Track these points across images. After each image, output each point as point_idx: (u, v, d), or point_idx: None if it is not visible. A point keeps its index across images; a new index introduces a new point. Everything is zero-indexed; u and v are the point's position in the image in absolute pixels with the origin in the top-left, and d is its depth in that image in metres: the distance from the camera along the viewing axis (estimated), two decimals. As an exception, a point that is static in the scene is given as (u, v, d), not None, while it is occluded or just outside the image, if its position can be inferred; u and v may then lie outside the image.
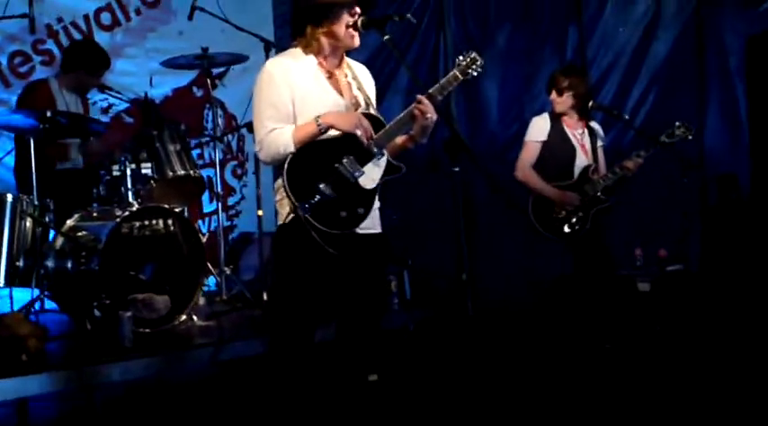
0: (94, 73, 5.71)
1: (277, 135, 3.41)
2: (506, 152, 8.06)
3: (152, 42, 6.69)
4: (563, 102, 5.50)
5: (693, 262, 7.15)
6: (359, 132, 3.42)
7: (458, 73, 3.51)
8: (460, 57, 3.54)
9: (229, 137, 6.96)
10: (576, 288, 5.50)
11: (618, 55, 8.68)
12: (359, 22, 3.50)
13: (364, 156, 3.45)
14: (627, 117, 5.88)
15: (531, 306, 5.77)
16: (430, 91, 3.48)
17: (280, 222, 3.51)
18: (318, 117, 3.41)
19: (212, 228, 6.79)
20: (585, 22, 8.56)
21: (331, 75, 3.56)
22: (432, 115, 3.46)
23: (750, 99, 8.25)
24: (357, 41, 3.55)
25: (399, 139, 3.58)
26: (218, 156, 5.77)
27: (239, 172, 7.16)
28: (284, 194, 3.41)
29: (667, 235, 7.22)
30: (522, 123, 8.17)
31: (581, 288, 5.48)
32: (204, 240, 5.14)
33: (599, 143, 5.60)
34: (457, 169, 3.56)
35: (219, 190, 5.75)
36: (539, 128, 5.57)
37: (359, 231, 3.51)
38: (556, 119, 5.55)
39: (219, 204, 5.81)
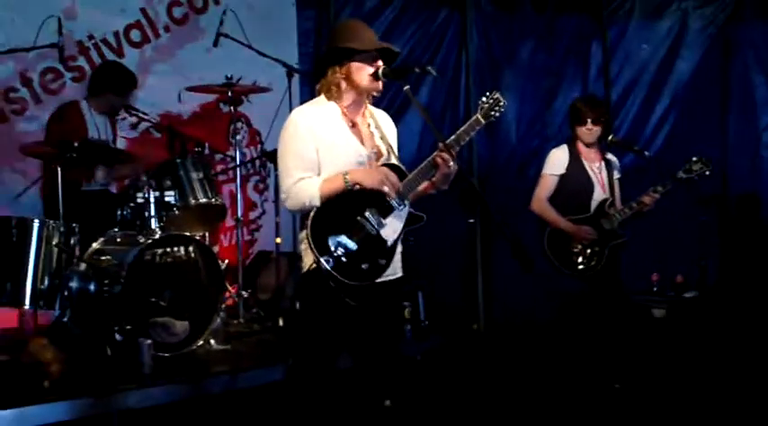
0: (123, 94, 5.83)
1: (304, 186, 3.47)
2: (526, 167, 8.12)
3: (180, 59, 6.78)
4: (592, 133, 5.43)
5: (710, 288, 7.17)
6: (386, 189, 3.50)
7: (480, 117, 3.55)
8: (483, 99, 3.57)
9: (252, 153, 7.05)
10: (589, 313, 5.51)
11: (641, 72, 8.69)
12: (380, 72, 3.55)
13: (386, 208, 3.53)
14: (647, 153, 5.78)
15: (544, 328, 5.83)
16: (447, 141, 3.53)
17: (304, 270, 3.57)
18: (346, 174, 3.48)
19: (233, 242, 6.89)
20: (610, 38, 8.57)
21: (354, 124, 3.62)
22: (453, 164, 3.52)
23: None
24: (380, 86, 3.59)
25: (421, 186, 3.64)
26: (238, 183, 5.86)
27: (261, 187, 7.26)
28: (308, 245, 3.49)
29: (685, 260, 7.24)
30: (542, 139, 8.26)
31: (594, 314, 5.49)
32: (224, 265, 5.24)
33: (615, 175, 5.58)
34: (472, 221, 3.62)
35: (240, 215, 5.84)
36: (557, 161, 5.50)
37: (385, 279, 3.58)
38: (574, 151, 5.50)
39: (239, 230, 5.91)
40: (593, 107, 5.48)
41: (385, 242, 3.54)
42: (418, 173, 3.57)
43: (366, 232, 3.48)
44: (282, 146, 3.57)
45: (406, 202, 3.60)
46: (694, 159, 5.43)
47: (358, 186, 3.48)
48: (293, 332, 4.82)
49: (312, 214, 3.46)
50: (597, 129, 5.43)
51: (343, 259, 3.42)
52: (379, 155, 3.65)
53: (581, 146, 5.52)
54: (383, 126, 3.74)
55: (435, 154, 3.52)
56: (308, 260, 3.53)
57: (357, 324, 3.61)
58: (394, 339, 3.84)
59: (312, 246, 3.42)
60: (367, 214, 3.49)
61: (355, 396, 3.72)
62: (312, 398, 3.61)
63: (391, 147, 3.70)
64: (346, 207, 3.48)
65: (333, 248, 3.40)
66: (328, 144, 3.53)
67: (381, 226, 3.51)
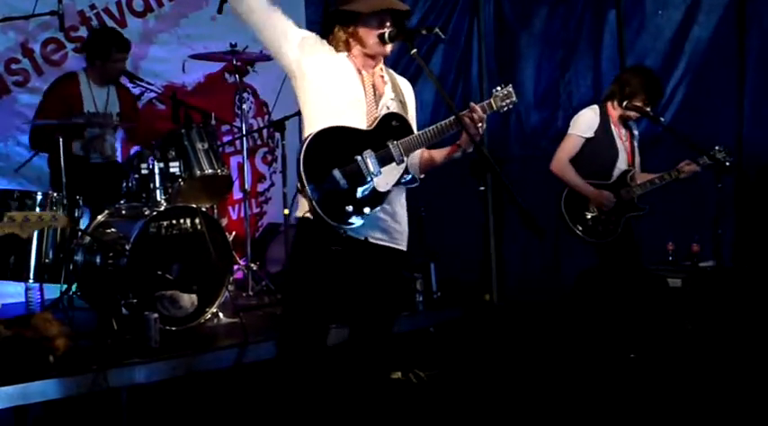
0: (125, 49, 5.68)
1: None
2: (539, 137, 8.00)
3: (184, 28, 6.68)
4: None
5: (727, 257, 7.03)
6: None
7: (492, 103, 3.43)
8: (498, 88, 3.45)
9: (259, 124, 6.94)
10: (604, 282, 5.41)
11: (656, 39, 8.52)
12: (386, 35, 3.43)
13: (387, 156, 3.38)
14: (662, 119, 5.62)
15: (558, 300, 5.74)
16: (462, 113, 3.37)
17: (299, 214, 3.43)
18: None
19: (242, 215, 6.80)
20: (625, 5, 8.40)
21: (359, 72, 3.48)
22: (483, 124, 3.37)
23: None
24: (388, 49, 3.48)
25: (445, 150, 3.50)
26: (245, 153, 5.75)
27: (269, 158, 7.16)
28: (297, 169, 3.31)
29: (701, 229, 7.11)
30: (554, 108, 8.12)
31: (608, 283, 5.39)
32: (231, 237, 5.15)
33: (636, 146, 5.45)
34: (482, 188, 3.51)
35: (248, 186, 5.75)
36: (588, 121, 5.26)
37: (378, 242, 3.43)
38: (605, 115, 5.29)
39: (246, 202, 5.82)
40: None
41: (375, 190, 3.36)
42: (433, 131, 3.40)
43: (360, 173, 3.32)
44: None
45: (405, 159, 3.42)
46: (717, 148, 5.34)
47: None
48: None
49: (310, 138, 3.28)
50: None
51: (330, 193, 3.25)
52: (378, 104, 3.47)
53: (612, 111, 5.33)
54: (402, 88, 3.61)
55: (465, 112, 3.36)
56: (302, 206, 3.39)
57: (351, 285, 3.46)
58: (388, 313, 3.62)
59: (302, 170, 3.22)
60: (366, 154, 3.34)
61: (359, 368, 3.58)
62: (304, 370, 3.43)
63: (405, 104, 3.57)
64: (347, 141, 3.32)
65: (322, 179, 3.23)
66: (329, 70, 3.40)
67: (377, 172, 3.34)
